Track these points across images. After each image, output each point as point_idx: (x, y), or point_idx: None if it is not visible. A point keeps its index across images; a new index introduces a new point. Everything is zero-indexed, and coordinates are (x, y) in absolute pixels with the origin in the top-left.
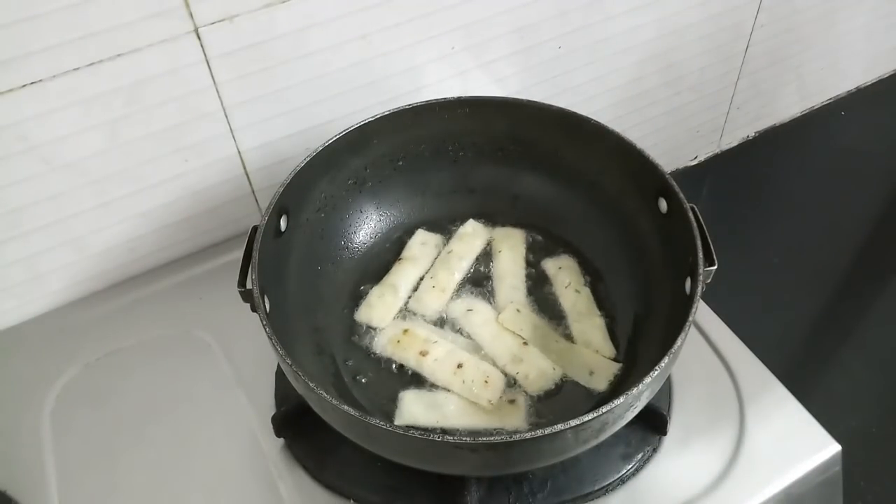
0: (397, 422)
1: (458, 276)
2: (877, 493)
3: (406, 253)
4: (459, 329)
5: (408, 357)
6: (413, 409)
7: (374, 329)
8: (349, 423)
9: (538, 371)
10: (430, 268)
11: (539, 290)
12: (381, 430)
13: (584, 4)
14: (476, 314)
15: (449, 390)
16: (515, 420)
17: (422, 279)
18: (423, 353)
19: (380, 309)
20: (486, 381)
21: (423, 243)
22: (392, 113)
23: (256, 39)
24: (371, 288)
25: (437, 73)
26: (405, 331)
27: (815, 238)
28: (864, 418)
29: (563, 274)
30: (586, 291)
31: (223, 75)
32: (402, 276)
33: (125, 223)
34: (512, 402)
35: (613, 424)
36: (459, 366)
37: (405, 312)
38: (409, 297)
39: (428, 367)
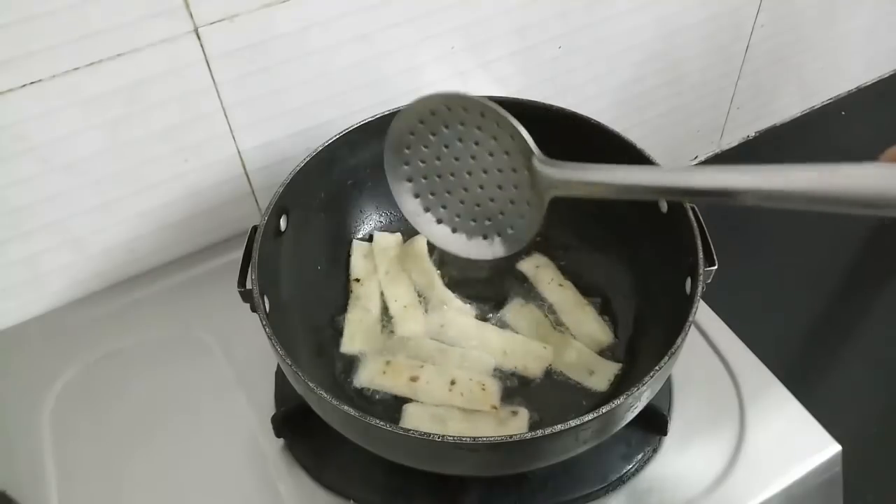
0: None
1: (412, 288)
2: (877, 493)
3: (357, 272)
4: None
5: (398, 386)
6: (416, 422)
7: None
8: (349, 423)
9: (531, 357)
10: (383, 288)
11: (522, 291)
12: (381, 429)
13: (585, 4)
14: (449, 327)
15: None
16: (519, 431)
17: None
18: (414, 379)
19: (361, 336)
20: (483, 389)
21: (364, 256)
22: (392, 113)
23: (256, 39)
24: (343, 317)
25: (437, 72)
26: (388, 362)
27: (815, 238)
28: (864, 419)
29: (543, 272)
30: (569, 283)
31: (223, 75)
32: (367, 296)
33: (125, 223)
34: (514, 413)
35: (614, 425)
36: (453, 382)
37: (390, 334)
38: (389, 319)
39: (422, 391)
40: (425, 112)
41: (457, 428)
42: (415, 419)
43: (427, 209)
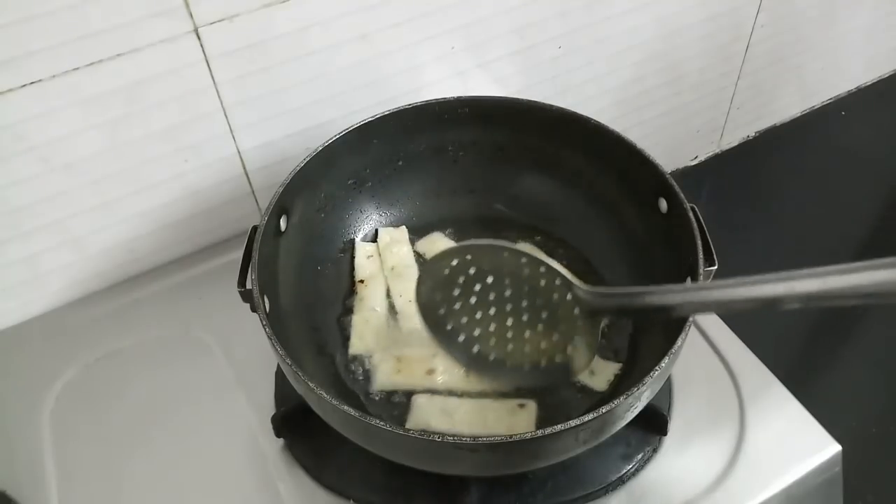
0: (409, 425)
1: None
2: (877, 493)
3: (361, 273)
4: None
5: (415, 382)
6: (425, 415)
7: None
8: (349, 424)
9: None
10: (389, 284)
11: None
12: (381, 430)
13: (584, 4)
14: None
15: (462, 396)
16: (525, 424)
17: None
18: (431, 372)
19: (370, 337)
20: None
21: (368, 256)
22: (392, 113)
23: (256, 39)
24: (346, 318)
25: (437, 72)
26: (399, 359)
27: (815, 238)
28: (864, 418)
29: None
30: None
31: (223, 75)
32: (373, 296)
33: (125, 223)
34: (522, 406)
35: (614, 424)
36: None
37: (395, 330)
38: (395, 316)
39: (440, 382)
40: (448, 262)
41: (465, 420)
42: (423, 412)
43: (466, 343)
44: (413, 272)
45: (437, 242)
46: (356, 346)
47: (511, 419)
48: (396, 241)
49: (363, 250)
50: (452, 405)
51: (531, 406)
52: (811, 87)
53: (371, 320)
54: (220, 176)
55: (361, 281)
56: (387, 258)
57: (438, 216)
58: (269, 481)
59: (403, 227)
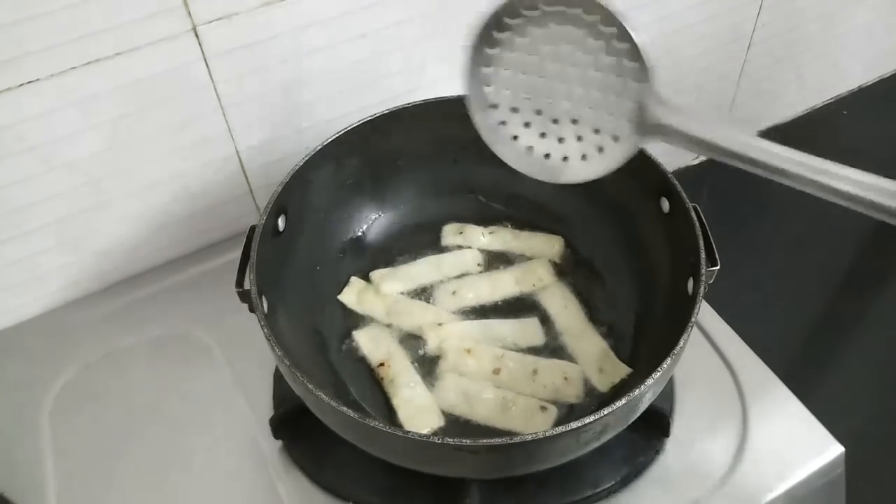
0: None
1: (423, 304)
2: (879, 494)
3: (375, 358)
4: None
5: (480, 378)
6: (449, 392)
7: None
8: (348, 425)
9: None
10: (397, 325)
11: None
12: (380, 431)
13: None
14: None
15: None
16: (542, 426)
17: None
18: (497, 371)
19: (418, 415)
20: (565, 379)
21: (372, 339)
22: (391, 112)
23: (255, 38)
24: (395, 402)
25: (438, 72)
26: (469, 351)
27: (816, 238)
28: (867, 420)
29: (550, 293)
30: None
31: (221, 74)
32: (402, 372)
33: (125, 223)
34: (543, 409)
35: (616, 426)
36: (535, 371)
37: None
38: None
39: (505, 381)
40: (519, 7)
41: (484, 411)
42: (446, 391)
43: (504, 123)
44: (402, 297)
45: (388, 280)
46: (408, 427)
47: (529, 422)
48: (361, 292)
49: (365, 336)
50: (475, 390)
51: (552, 409)
52: (811, 87)
53: (414, 398)
54: (219, 175)
55: (382, 364)
56: (372, 308)
57: (438, 216)
58: (267, 482)
59: (352, 277)
